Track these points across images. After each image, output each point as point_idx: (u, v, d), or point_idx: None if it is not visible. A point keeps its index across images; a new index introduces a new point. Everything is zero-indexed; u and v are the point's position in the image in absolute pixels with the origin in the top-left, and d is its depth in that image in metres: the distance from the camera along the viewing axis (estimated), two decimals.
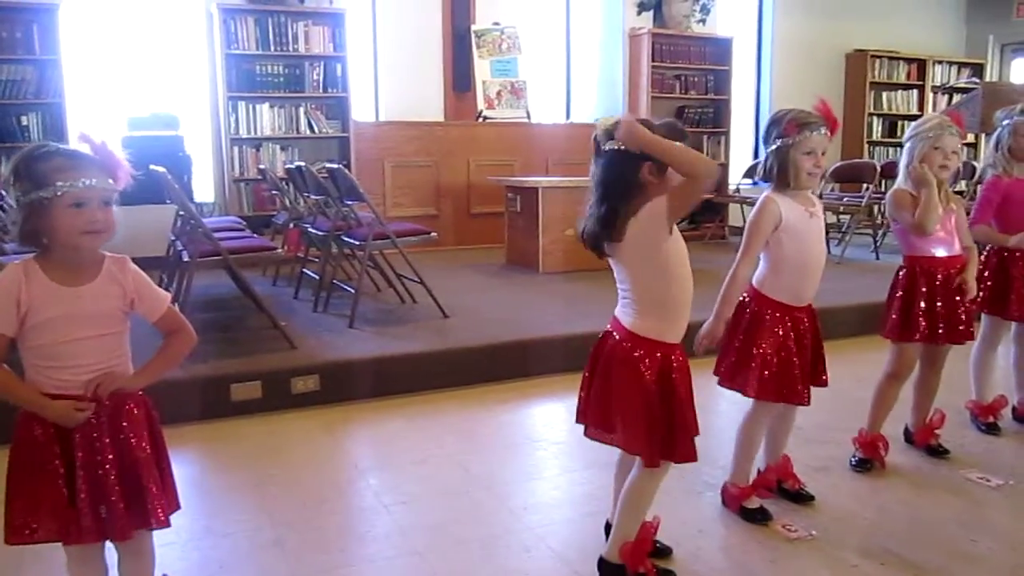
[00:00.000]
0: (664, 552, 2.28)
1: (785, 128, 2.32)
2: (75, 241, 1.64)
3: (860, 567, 2.23)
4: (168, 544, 2.18)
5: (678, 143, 1.86)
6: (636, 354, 1.99)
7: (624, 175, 1.91)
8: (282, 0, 7.00)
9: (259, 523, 2.54)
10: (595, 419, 2.10)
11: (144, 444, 1.75)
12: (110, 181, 1.67)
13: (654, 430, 1.98)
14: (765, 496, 2.57)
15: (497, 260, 6.77)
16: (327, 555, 2.34)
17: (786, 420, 2.61)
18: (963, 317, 2.79)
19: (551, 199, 6.15)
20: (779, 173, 2.36)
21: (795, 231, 2.37)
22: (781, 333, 2.41)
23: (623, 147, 1.88)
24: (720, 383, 2.52)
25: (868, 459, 2.90)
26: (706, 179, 1.85)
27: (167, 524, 1.78)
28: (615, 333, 2.06)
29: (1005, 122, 3.12)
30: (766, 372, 2.39)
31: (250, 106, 7.00)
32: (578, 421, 2.16)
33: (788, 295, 2.42)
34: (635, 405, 1.99)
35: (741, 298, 2.46)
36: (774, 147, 2.36)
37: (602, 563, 2.16)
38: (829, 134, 2.35)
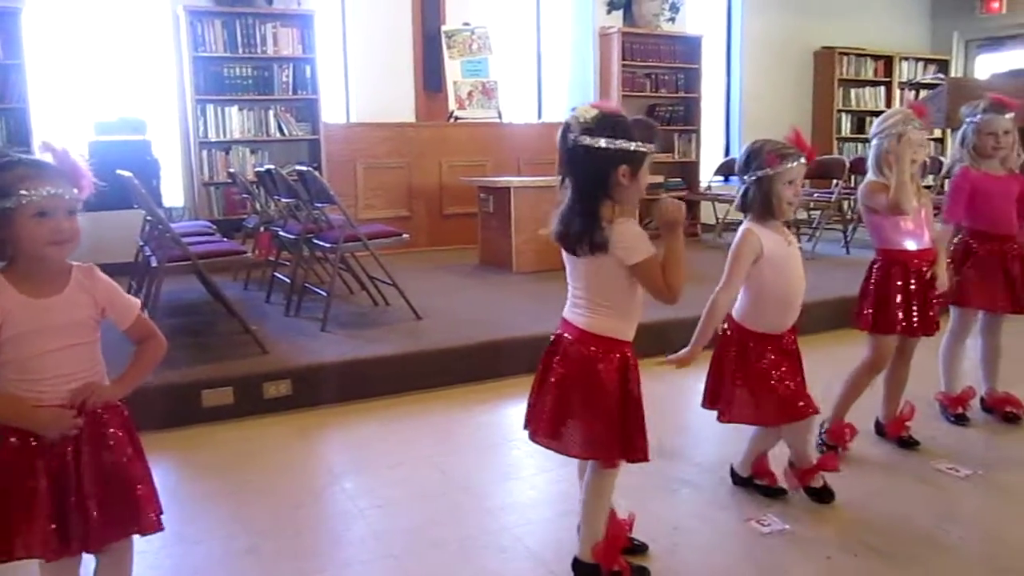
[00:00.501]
0: (640, 549, 2.28)
1: (767, 159, 2.34)
2: (41, 251, 1.62)
3: (834, 559, 2.25)
4: (140, 552, 2.13)
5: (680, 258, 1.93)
6: (593, 354, 1.99)
7: (599, 174, 1.90)
8: (250, 2, 6.93)
9: (232, 530, 2.52)
10: (546, 427, 2.05)
11: (128, 450, 1.74)
12: (74, 190, 1.66)
13: (612, 430, 1.98)
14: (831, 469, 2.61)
15: (470, 261, 6.76)
16: (301, 561, 2.32)
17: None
18: (934, 309, 2.84)
19: (523, 199, 6.14)
20: (762, 203, 2.37)
21: (776, 261, 2.40)
22: (770, 360, 2.43)
23: (598, 145, 1.87)
24: (723, 419, 2.52)
25: (834, 445, 2.93)
26: (667, 299, 1.94)
27: (162, 527, 1.79)
28: (567, 334, 2.05)
29: (969, 120, 3.15)
30: (775, 400, 2.42)
31: (219, 109, 6.93)
32: (526, 427, 2.14)
33: (770, 327, 2.45)
34: (593, 406, 1.98)
35: (725, 332, 2.48)
36: (755, 178, 2.37)
37: (576, 563, 2.16)
38: (806, 163, 2.38)
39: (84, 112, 6.67)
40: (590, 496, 2.11)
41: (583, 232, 1.92)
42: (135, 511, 1.73)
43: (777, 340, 2.45)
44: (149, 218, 4.75)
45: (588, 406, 1.99)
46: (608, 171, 1.89)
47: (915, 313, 2.81)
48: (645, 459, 2.03)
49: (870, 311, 2.88)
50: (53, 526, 1.65)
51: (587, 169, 1.91)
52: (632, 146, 1.89)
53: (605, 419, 1.98)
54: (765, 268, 2.39)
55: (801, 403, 2.43)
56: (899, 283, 2.82)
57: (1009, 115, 3.09)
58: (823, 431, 2.98)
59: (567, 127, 1.91)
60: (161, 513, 1.80)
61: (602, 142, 1.87)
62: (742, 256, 2.39)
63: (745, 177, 2.41)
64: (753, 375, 2.42)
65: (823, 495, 2.57)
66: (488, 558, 2.32)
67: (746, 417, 2.49)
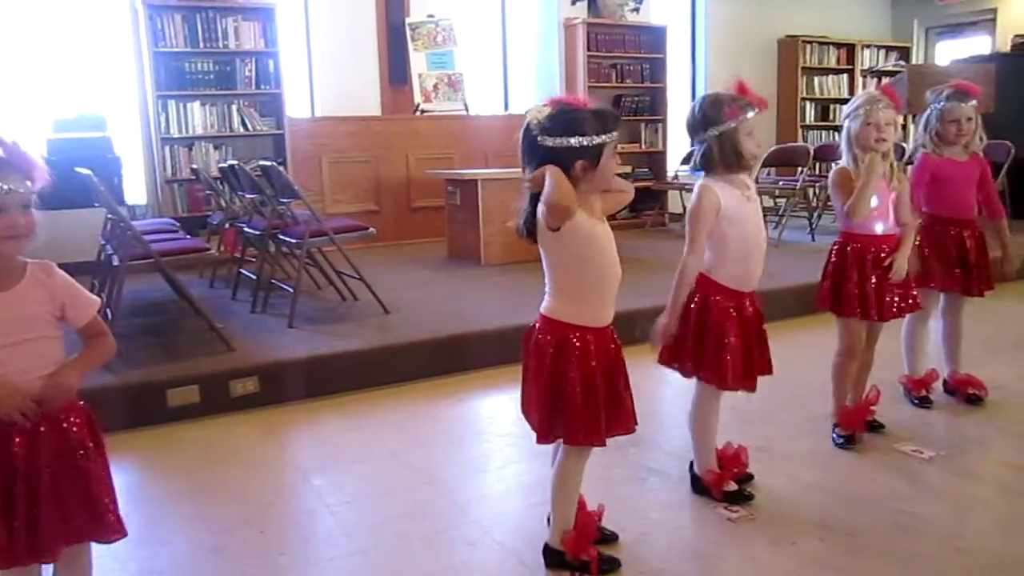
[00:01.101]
0: (610, 538, 2.29)
1: (727, 112, 2.31)
2: None
3: (799, 544, 2.27)
4: (104, 555, 2.11)
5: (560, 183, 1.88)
6: (541, 334, 2.04)
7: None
8: None
9: (198, 530, 2.49)
10: (522, 400, 2.13)
11: (90, 455, 1.71)
12: (27, 183, 1.62)
13: (542, 407, 2.02)
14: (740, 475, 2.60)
15: (439, 254, 6.74)
16: (269, 559, 2.30)
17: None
18: (895, 295, 2.85)
19: (491, 191, 6.13)
20: (728, 158, 2.34)
21: (735, 216, 2.38)
22: (728, 321, 2.42)
23: (553, 144, 1.89)
24: (661, 362, 2.52)
25: (851, 435, 2.95)
26: (553, 211, 1.89)
27: (125, 533, 1.76)
28: (536, 320, 2.10)
29: (934, 106, 3.17)
30: (720, 359, 2.41)
31: (180, 105, 6.83)
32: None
33: (735, 281, 2.44)
34: (532, 381, 2.05)
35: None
36: (716, 132, 2.33)
37: (546, 549, 2.18)
38: (759, 112, 2.36)
39: (42, 109, 6.54)
40: (555, 481, 2.14)
41: (529, 224, 1.99)
42: (100, 518, 1.70)
43: (739, 298, 2.44)
44: (110, 216, 4.67)
45: (531, 381, 2.06)
46: (565, 167, 1.90)
47: (871, 298, 2.82)
48: (569, 441, 2.05)
49: (827, 292, 2.91)
50: (5, 533, 1.61)
51: (546, 164, 1.91)
52: (585, 141, 1.90)
53: (535, 394, 2.04)
54: (723, 223, 2.37)
55: (746, 373, 2.44)
56: (855, 266, 2.83)
57: (972, 102, 3.12)
58: (835, 425, 2.99)
59: (527, 125, 1.94)
60: (120, 521, 1.77)
61: (556, 140, 1.89)
62: (702, 214, 2.36)
63: (704, 135, 2.35)
64: (711, 327, 2.41)
65: (739, 498, 2.53)
66: (457, 551, 2.31)
67: (698, 372, 2.47)
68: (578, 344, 2.00)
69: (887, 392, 3.20)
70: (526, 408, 2.11)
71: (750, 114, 2.32)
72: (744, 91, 2.35)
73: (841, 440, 2.95)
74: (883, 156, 2.77)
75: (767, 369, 2.53)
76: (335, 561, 2.28)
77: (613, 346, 2.07)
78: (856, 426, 2.97)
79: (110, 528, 1.73)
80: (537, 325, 2.08)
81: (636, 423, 2.11)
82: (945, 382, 3.43)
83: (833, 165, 2.91)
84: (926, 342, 3.42)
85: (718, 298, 2.42)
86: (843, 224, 2.90)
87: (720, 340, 2.41)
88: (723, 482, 2.53)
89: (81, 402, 1.75)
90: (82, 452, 1.69)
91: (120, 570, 2.25)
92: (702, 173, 2.43)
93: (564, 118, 1.90)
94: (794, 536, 2.31)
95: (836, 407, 3.00)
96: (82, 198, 4.87)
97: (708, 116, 2.35)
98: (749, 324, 2.47)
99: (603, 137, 1.92)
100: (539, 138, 1.90)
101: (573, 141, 1.89)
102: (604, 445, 2.05)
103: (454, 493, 2.70)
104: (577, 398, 1.99)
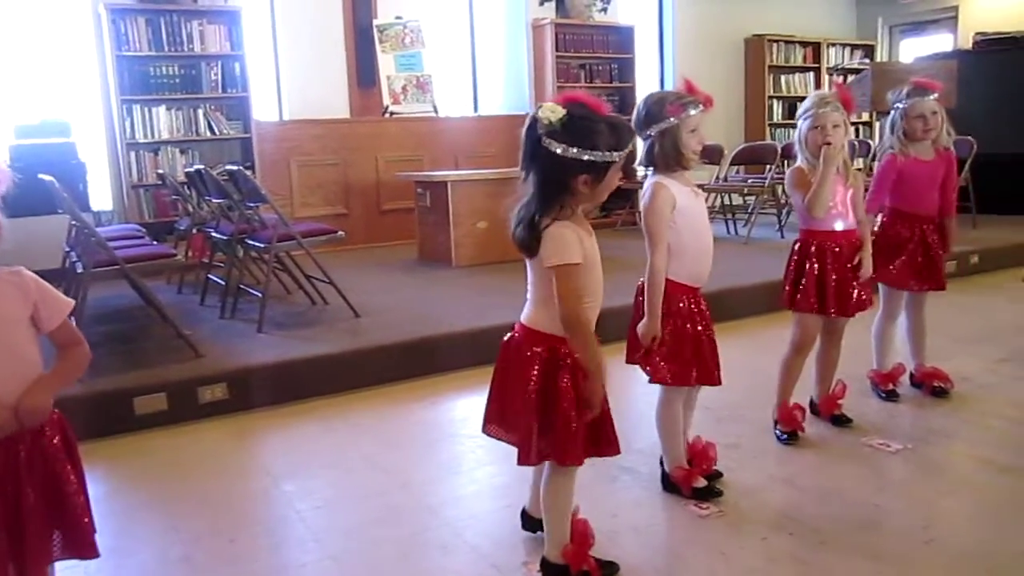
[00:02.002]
0: None
1: (669, 109, 2.31)
2: None
3: (769, 539, 2.28)
4: (70, 568, 2.08)
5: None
6: (525, 346, 1.95)
7: (559, 180, 1.84)
8: None
9: (168, 540, 2.46)
10: (494, 416, 2.06)
11: (69, 473, 1.68)
12: None
13: (528, 423, 1.92)
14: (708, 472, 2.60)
15: (409, 256, 6.72)
16: (238, 566, 2.28)
17: (691, 399, 2.64)
18: (855, 290, 2.87)
19: (461, 193, 6.12)
20: (667, 155, 2.35)
21: (688, 212, 2.38)
22: (689, 316, 2.43)
23: (562, 152, 1.79)
24: (631, 359, 2.53)
25: (793, 431, 2.96)
26: (561, 312, 1.84)
27: (99, 554, 1.75)
28: (515, 330, 2.03)
29: (898, 105, 3.20)
30: (684, 357, 2.41)
31: (145, 109, 6.77)
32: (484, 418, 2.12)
33: (692, 277, 2.44)
34: (518, 397, 1.94)
35: (640, 283, 2.46)
36: (659, 129, 2.34)
37: (544, 563, 2.11)
38: (704, 109, 2.36)
39: (4, 115, 6.45)
40: (546, 495, 2.07)
41: (524, 237, 1.88)
42: (79, 537, 1.69)
43: (694, 294, 2.45)
44: (74, 223, 4.61)
45: (513, 397, 1.97)
46: (567, 178, 1.83)
47: (831, 294, 2.84)
48: (570, 463, 1.97)
49: (788, 289, 2.93)
50: None
51: (547, 171, 1.83)
52: (595, 157, 1.80)
53: (523, 412, 1.93)
54: (678, 219, 2.36)
55: (711, 367, 2.44)
56: (815, 263, 2.85)
57: (933, 96, 3.16)
58: (774, 419, 3.01)
59: (533, 121, 1.82)
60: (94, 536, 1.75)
61: (564, 149, 1.78)
62: (660, 211, 2.34)
63: (649, 132, 2.35)
64: (673, 328, 2.40)
65: (708, 493, 2.53)
66: (429, 555, 2.30)
67: (660, 372, 2.44)
68: (570, 360, 1.91)
69: (855, 386, 3.23)
70: (501, 423, 2.04)
71: (692, 111, 2.32)
72: (691, 89, 2.36)
73: (784, 437, 2.95)
74: (838, 152, 2.77)
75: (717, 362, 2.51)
76: (305, 568, 2.26)
77: None
78: (793, 424, 2.96)
79: (89, 549, 1.72)
80: (518, 335, 2.00)
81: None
82: (911, 375, 3.47)
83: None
84: (894, 337, 3.45)
85: (679, 296, 2.42)
86: (803, 222, 2.92)
87: (683, 338, 2.41)
88: (692, 478, 2.54)
89: (55, 412, 1.71)
90: (59, 471, 1.66)
91: None
92: (652, 169, 2.43)
93: (578, 127, 1.78)
94: (764, 531, 2.32)
95: (778, 400, 3.01)
96: (46, 205, 4.80)
97: (652, 113, 2.35)
98: (706, 319, 2.48)
99: (614, 155, 1.82)
100: (544, 140, 1.78)
101: (585, 155, 1.79)
102: (581, 464, 1.98)
103: (427, 496, 2.69)
104: (570, 414, 1.90)
